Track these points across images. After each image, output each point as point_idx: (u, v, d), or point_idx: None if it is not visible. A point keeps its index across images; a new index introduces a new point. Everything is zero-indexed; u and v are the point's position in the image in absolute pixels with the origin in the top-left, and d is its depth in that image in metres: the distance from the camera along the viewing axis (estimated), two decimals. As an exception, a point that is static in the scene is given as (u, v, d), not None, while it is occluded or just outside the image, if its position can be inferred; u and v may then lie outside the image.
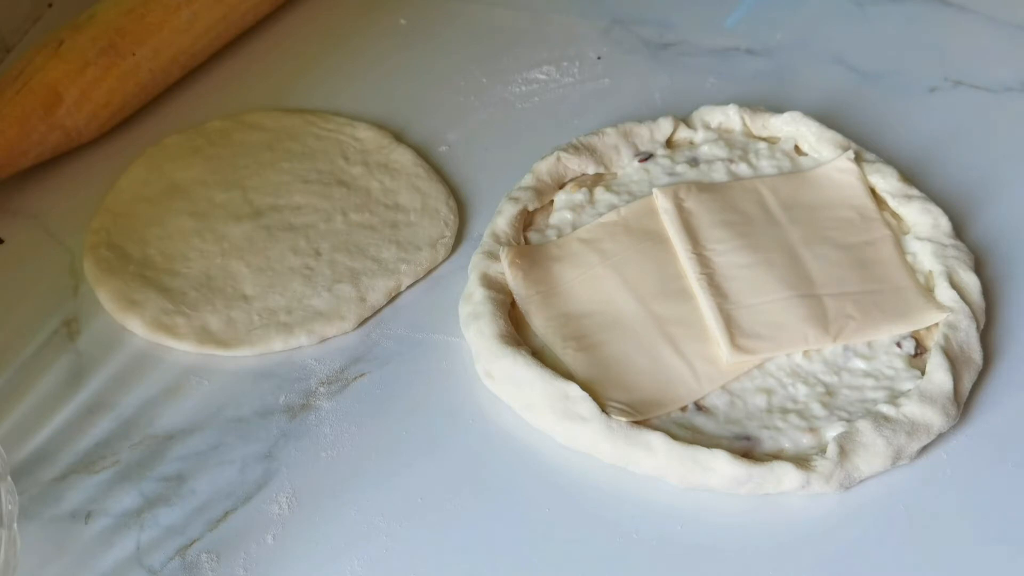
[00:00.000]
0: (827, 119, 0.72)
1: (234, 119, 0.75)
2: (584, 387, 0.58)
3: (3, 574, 0.48)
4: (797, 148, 0.71)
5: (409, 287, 0.66)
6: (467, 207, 0.71)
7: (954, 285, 0.63)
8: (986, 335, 0.62)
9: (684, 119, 0.73)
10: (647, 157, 0.71)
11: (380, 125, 0.75)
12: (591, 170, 0.70)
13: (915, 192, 0.68)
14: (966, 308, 0.61)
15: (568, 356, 0.60)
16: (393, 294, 0.66)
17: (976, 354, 0.61)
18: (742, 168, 0.70)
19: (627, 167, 0.71)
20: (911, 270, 0.64)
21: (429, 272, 0.67)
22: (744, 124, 0.72)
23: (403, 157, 0.73)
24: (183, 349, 0.63)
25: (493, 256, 0.64)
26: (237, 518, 0.56)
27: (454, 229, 0.69)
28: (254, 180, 0.71)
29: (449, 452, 0.58)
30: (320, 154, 0.72)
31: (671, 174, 0.70)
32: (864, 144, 0.72)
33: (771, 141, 0.72)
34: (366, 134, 0.74)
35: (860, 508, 0.56)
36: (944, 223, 0.66)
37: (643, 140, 0.71)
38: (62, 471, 0.57)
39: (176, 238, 0.67)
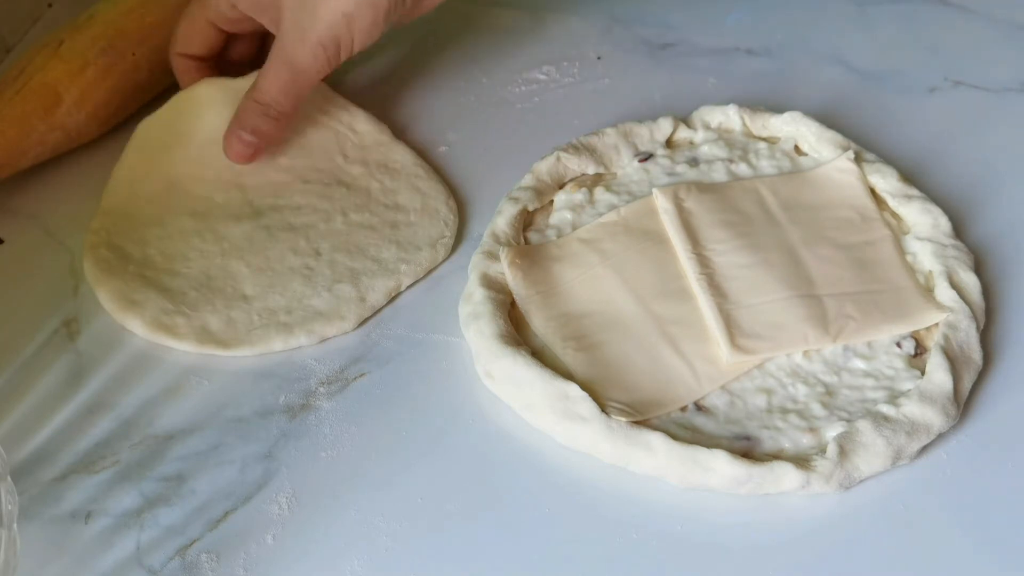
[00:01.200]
0: (827, 119, 0.72)
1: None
2: (584, 387, 0.58)
3: (3, 574, 0.48)
4: (797, 148, 0.71)
5: (409, 287, 0.66)
6: (467, 207, 0.71)
7: (954, 285, 0.63)
8: (986, 335, 0.62)
9: (684, 119, 0.73)
10: (647, 157, 0.71)
11: (379, 120, 0.75)
12: (591, 170, 0.70)
13: (915, 192, 0.68)
14: (966, 308, 0.61)
15: (568, 356, 0.60)
16: (393, 294, 0.66)
17: (976, 354, 0.61)
18: (742, 168, 0.70)
19: (627, 167, 0.71)
20: (911, 270, 0.64)
21: (429, 272, 0.67)
22: (744, 124, 0.72)
23: (403, 157, 0.73)
24: (183, 349, 0.62)
25: (493, 256, 0.64)
26: (237, 518, 0.56)
27: (454, 229, 0.69)
28: (254, 180, 0.71)
29: (449, 452, 0.58)
30: (318, 149, 0.72)
31: (671, 174, 0.70)
32: (864, 144, 0.72)
33: (771, 141, 0.72)
34: (364, 127, 0.74)
35: (860, 508, 0.56)
36: (944, 223, 0.66)
37: (643, 140, 0.71)
38: (62, 471, 0.57)
39: (176, 238, 0.67)
